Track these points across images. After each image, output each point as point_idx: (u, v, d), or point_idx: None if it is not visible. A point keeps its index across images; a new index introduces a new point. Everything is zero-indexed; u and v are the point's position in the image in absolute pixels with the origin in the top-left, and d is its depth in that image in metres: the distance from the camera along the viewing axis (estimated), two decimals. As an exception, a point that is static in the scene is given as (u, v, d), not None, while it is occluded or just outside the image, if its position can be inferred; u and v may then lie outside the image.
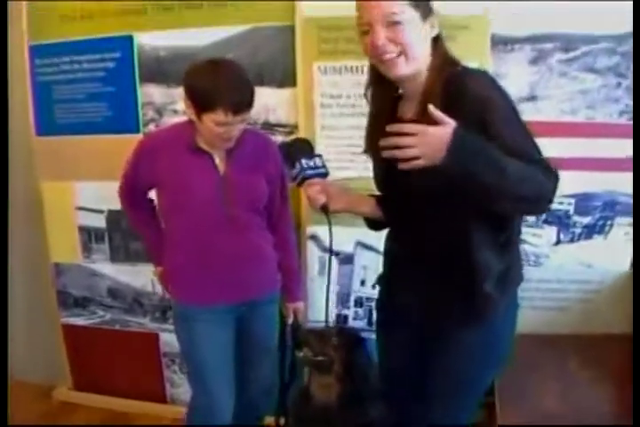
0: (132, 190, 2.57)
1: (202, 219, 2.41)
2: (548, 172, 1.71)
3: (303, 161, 1.99)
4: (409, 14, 1.74)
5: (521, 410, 2.33)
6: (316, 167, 1.99)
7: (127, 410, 3.60)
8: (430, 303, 1.96)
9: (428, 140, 1.61)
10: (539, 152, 1.76)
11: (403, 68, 1.80)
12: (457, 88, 1.72)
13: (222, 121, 2.22)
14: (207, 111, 2.21)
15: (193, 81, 2.25)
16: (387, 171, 1.93)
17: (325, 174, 2.00)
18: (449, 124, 1.61)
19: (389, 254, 2.16)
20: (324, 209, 1.97)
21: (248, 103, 2.25)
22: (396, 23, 1.74)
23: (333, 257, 3.01)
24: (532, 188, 1.68)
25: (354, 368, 2.39)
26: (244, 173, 2.42)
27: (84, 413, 3.62)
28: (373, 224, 2.19)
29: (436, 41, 1.85)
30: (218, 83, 2.19)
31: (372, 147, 1.95)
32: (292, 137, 2.84)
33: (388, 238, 2.16)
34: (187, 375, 2.77)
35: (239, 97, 2.21)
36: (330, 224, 2.00)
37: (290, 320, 2.74)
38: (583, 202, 2.82)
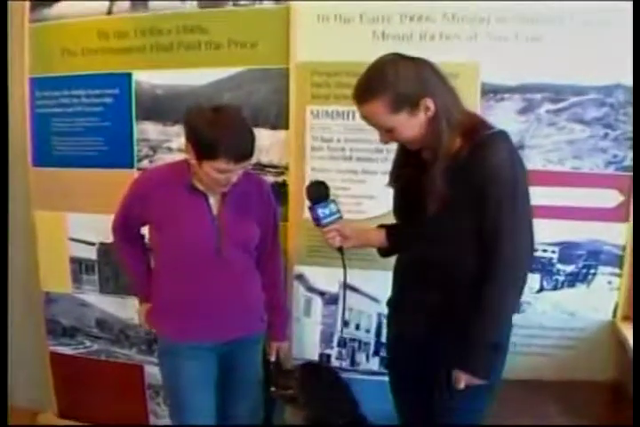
0: (125, 226, 2.60)
1: (193, 257, 2.44)
2: (509, 279, 2.01)
3: (319, 211, 2.23)
4: (394, 118, 1.99)
5: None
6: (331, 214, 2.24)
7: None
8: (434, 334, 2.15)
9: None
10: (516, 251, 1.99)
11: (411, 147, 2.12)
12: (475, 156, 1.96)
13: (223, 169, 2.25)
14: (209, 159, 2.24)
15: (195, 128, 2.26)
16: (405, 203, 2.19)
17: (340, 218, 2.26)
18: None
19: (399, 278, 2.33)
20: (340, 250, 2.26)
21: (250, 152, 2.28)
22: (388, 129, 2.03)
23: (319, 297, 3.07)
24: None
25: (313, 397, 2.51)
26: (237, 213, 2.45)
27: None
28: (384, 252, 2.38)
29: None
30: (221, 132, 2.21)
31: (395, 180, 2.24)
32: (282, 178, 2.94)
33: (399, 262, 2.33)
34: (169, 408, 2.77)
35: (242, 147, 2.25)
36: (344, 262, 2.28)
37: (272, 358, 2.75)
38: (567, 250, 2.84)
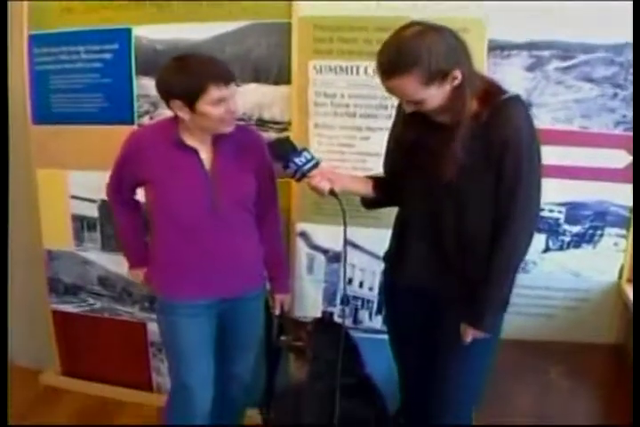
0: (118, 188, 2.59)
1: (187, 215, 2.42)
2: (521, 236, 2.08)
3: (296, 160, 2.20)
4: (426, 92, 1.96)
5: (496, 413, 2.40)
6: (308, 161, 2.21)
7: (113, 397, 3.65)
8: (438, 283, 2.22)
9: None
10: (530, 207, 2.06)
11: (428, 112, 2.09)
12: (492, 123, 1.99)
13: (218, 97, 2.22)
14: (200, 96, 2.21)
15: (169, 80, 2.24)
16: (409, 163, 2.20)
17: (318, 163, 2.23)
18: None
19: (400, 232, 2.34)
20: (333, 193, 2.21)
21: (231, 72, 2.27)
22: (417, 100, 2.00)
23: (322, 255, 3.07)
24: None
25: (323, 355, 2.55)
26: (231, 168, 2.42)
27: (71, 398, 3.66)
28: (368, 203, 2.43)
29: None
30: (197, 67, 2.20)
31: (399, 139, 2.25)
32: (283, 135, 2.87)
33: (401, 218, 2.36)
34: (167, 366, 2.80)
35: (222, 70, 2.24)
36: (342, 207, 2.22)
37: (277, 311, 2.75)
38: (574, 211, 2.83)
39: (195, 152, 2.39)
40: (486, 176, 2.04)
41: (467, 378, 2.27)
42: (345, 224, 2.25)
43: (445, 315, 2.25)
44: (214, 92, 2.20)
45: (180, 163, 2.39)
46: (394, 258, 2.39)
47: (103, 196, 2.99)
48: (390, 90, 2.02)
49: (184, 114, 2.28)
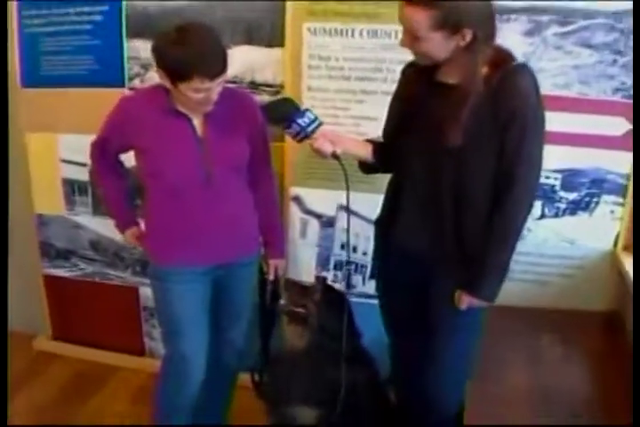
0: (104, 152, 2.55)
1: (181, 182, 2.39)
2: (523, 200, 2.09)
3: (299, 120, 2.16)
4: (430, 34, 1.93)
5: (487, 381, 2.36)
6: (311, 122, 2.17)
7: (105, 361, 3.66)
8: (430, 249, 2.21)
9: None
10: (531, 177, 2.07)
11: (421, 61, 2.09)
12: (501, 89, 1.98)
13: (199, 88, 2.18)
14: (182, 81, 2.16)
15: (162, 52, 2.16)
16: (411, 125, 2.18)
17: (321, 124, 2.20)
18: None
19: (394, 196, 2.31)
20: (335, 156, 2.18)
21: (223, 67, 2.19)
22: (417, 38, 1.96)
23: (315, 219, 3.06)
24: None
25: (328, 326, 2.48)
26: (223, 133, 2.39)
27: (63, 363, 3.67)
28: (366, 168, 2.40)
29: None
30: (189, 52, 2.11)
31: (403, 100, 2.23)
32: (278, 97, 2.83)
33: (393, 181, 2.35)
34: (161, 333, 2.79)
35: (214, 63, 2.16)
36: (344, 170, 2.18)
37: (271, 277, 2.73)
38: (570, 177, 2.81)
39: (187, 119, 2.35)
40: (489, 141, 2.03)
41: (459, 345, 2.27)
42: (348, 188, 2.21)
43: (439, 281, 2.24)
44: (196, 84, 2.16)
45: (172, 130, 2.36)
46: (387, 222, 2.36)
47: None
48: (401, 17, 1.98)
49: (165, 83, 2.23)
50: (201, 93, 2.20)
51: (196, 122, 2.37)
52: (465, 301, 2.16)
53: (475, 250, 2.12)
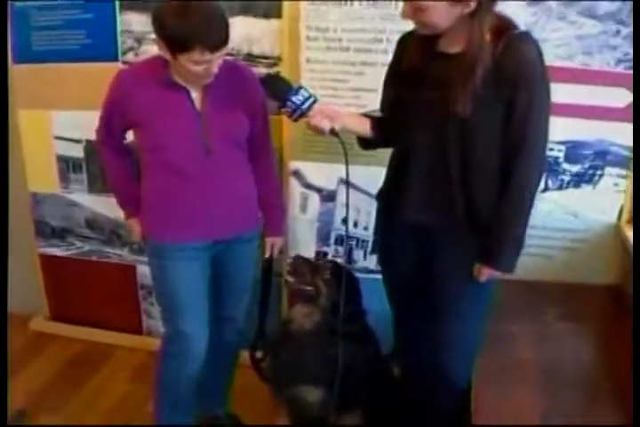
0: (110, 132, 2.49)
1: (179, 156, 2.35)
2: (534, 167, 2.08)
3: (293, 99, 2.12)
4: (434, 3, 1.90)
5: (493, 355, 2.33)
6: (306, 99, 2.12)
7: (103, 341, 3.65)
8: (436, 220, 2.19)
9: None
10: (540, 144, 2.07)
11: (423, 31, 2.05)
12: (506, 56, 1.95)
13: (200, 60, 2.12)
14: (183, 52, 2.11)
15: (163, 22, 2.10)
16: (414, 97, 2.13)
17: (317, 100, 2.15)
18: None
19: (398, 168, 2.28)
20: (334, 132, 2.15)
21: (225, 39, 2.14)
22: (420, 7, 1.93)
23: (315, 194, 3.02)
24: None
25: (338, 305, 2.40)
26: (222, 106, 2.34)
27: (61, 343, 3.65)
28: (365, 143, 2.36)
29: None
30: (191, 22, 2.05)
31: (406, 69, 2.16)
32: (275, 69, 2.82)
33: (396, 154, 2.32)
34: (160, 312, 2.76)
35: (215, 35, 2.10)
36: (344, 146, 2.16)
37: (266, 254, 2.70)
38: (574, 150, 2.77)
39: (185, 91, 2.31)
40: (495, 109, 2.01)
41: (471, 318, 2.25)
42: (347, 164, 2.18)
43: (449, 253, 2.23)
44: (197, 55, 2.11)
45: (171, 102, 2.31)
46: (391, 196, 2.33)
47: (88, 135, 2.97)
48: None
49: (165, 54, 2.18)
50: (201, 66, 2.15)
51: (195, 95, 2.32)
52: (485, 273, 2.16)
53: (487, 221, 2.11)
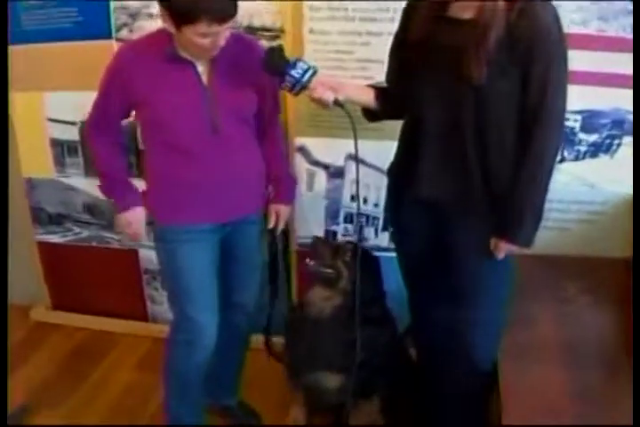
0: (105, 120, 2.36)
1: (186, 134, 2.25)
2: (552, 136, 2.00)
3: (292, 72, 2.06)
4: None
5: (516, 335, 2.29)
6: (305, 71, 2.06)
7: (107, 329, 3.59)
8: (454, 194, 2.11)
9: None
10: (558, 112, 1.99)
11: None
12: (521, 21, 1.87)
13: (206, 32, 2.02)
14: (189, 24, 2.00)
15: None
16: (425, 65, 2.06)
17: (317, 71, 2.09)
18: None
19: (409, 141, 2.21)
20: (338, 103, 2.10)
21: (233, 11, 2.04)
22: None
23: (322, 170, 2.94)
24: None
25: (359, 288, 2.33)
26: (230, 81, 2.25)
27: (63, 333, 3.58)
28: (371, 115, 2.29)
29: None
30: None
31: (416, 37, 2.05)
32: (277, 42, 2.68)
33: (407, 126, 2.24)
34: (167, 298, 2.69)
35: (223, 5, 2.00)
36: (350, 116, 2.09)
37: (270, 224, 2.57)
38: (590, 119, 2.67)
39: (191, 65, 2.20)
40: (511, 76, 1.94)
41: (493, 294, 2.19)
42: (355, 136, 2.11)
43: (465, 228, 2.15)
44: (203, 28, 2.01)
45: (176, 78, 2.21)
46: (402, 170, 2.25)
47: (83, 117, 2.83)
48: None
49: (169, 27, 2.08)
50: (207, 38, 2.05)
51: (201, 69, 2.22)
52: (502, 248, 2.09)
53: (504, 193, 2.04)
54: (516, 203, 2.03)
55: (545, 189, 2.05)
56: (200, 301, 2.43)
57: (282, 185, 2.56)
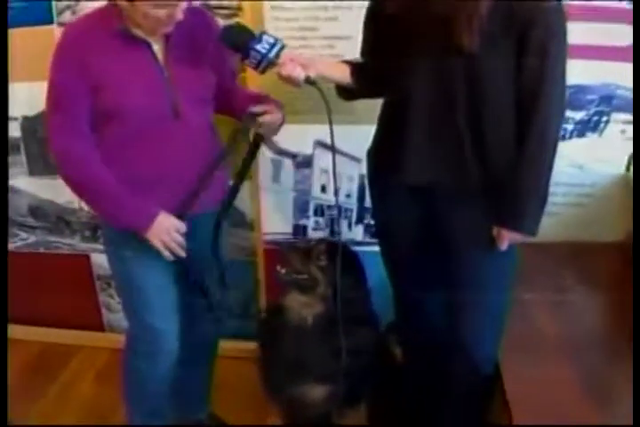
0: (75, 114, 2.01)
1: (145, 119, 2.01)
2: (555, 106, 1.86)
3: (257, 47, 1.90)
4: None
5: (516, 334, 2.16)
6: (272, 46, 1.91)
7: (61, 341, 3.40)
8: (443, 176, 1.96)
9: None
10: (559, 83, 1.86)
11: None
12: None
13: (161, 2, 1.83)
14: None
15: None
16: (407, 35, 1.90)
17: (284, 46, 1.93)
18: None
19: (391, 120, 2.06)
20: (309, 81, 1.94)
21: None
22: None
23: (289, 160, 2.75)
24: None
25: (340, 291, 2.14)
26: (187, 60, 2.05)
27: (13, 347, 3.19)
28: (346, 93, 2.15)
29: None
30: None
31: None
32: (234, 20, 2.48)
33: (388, 104, 2.09)
34: (122, 305, 2.47)
35: None
36: (326, 99, 1.91)
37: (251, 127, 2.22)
38: (576, 95, 2.54)
39: (145, 44, 1.99)
40: (506, 47, 1.81)
41: (490, 291, 2.03)
42: (330, 119, 1.92)
43: (456, 216, 2.00)
44: None
45: (130, 59, 1.98)
46: (385, 155, 2.08)
47: (25, 111, 2.64)
48: None
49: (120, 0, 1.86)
50: (163, 10, 1.85)
51: (156, 47, 2.01)
52: (506, 237, 1.94)
53: (503, 176, 1.90)
54: (518, 187, 1.90)
55: (549, 170, 1.92)
56: (158, 306, 2.23)
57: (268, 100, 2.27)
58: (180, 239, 2.06)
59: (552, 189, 2.43)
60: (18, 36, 2.76)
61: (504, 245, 1.95)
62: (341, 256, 2.10)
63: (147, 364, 2.30)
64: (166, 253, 2.05)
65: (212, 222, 2.25)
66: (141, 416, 2.42)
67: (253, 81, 2.56)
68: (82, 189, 2.07)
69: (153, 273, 2.18)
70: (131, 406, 2.43)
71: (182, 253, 2.07)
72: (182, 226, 2.07)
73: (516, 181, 1.89)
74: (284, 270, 2.27)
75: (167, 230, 2.04)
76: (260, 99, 2.22)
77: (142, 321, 2.25)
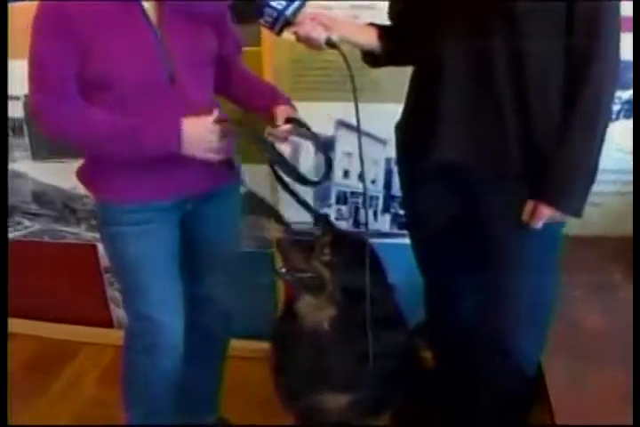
0: (63, 77, 1.87)
1: (139, 86, 1.86)
2: (610, 67, 1.70)
3: (273, 3, 1.74)
4: None
5: (561, 330, 2.03)
6: (289, 2, 1.74)
7: (65, 337, 3.31)
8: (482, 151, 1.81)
9: None
10: (614, 40, 1.70)
11: None
12: None
13: None
14: None
15: None
16: None
17: (304, 3, 1.76)
18: None
19: (424, 92, 1.91)
20: (331, 43, 1.78)
21: None
22: None
23: (309, 142, 2.48)
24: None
25: (351, 289, 1.96)
26: (184, 19, 1.90)
27: (15, 342, 3.18)
28: (373, 59, 1.99)
29: None
30: None
31: None
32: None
33: (419, 73, 1.95)
34: (121, 296, 2.42)
35: None
36: (348, 64, 1.74)
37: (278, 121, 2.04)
38: (624, 72, 2.30)
39: (135, 2, 1.84)
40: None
41: (538, 277, 1.87)
42: (354, 91, 1.75)
43: (496, 198, 1.84)
44: None
45: (119, 18, 1.83)
46: (416, 126, 1.93)
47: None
48: None
49: None
50: None
51: (148, 6, 1.86)
52: (543, 214, 1.74)
53: (547, 151, 1.74)
54: (567, 162, 1.72)
55: (601, 145, 1.74)
56: (158, 295, 2.10)
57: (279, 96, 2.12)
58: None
59: (598, 176, 2.29)
60: (19, 11, 2.60)
61: (539, 223, 1.76)
62: (351, 250, 1.98)
63: (147, 361, 2.18)
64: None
65: (226, 204, 2.16)
66: (142, 419, 2.28)
67: (270, 53, 2.38)
68: (94, 135, 1.90)
69: (153, 257, 2.06)
70: (130, 408, 2.30)
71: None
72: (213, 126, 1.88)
73: (565, 156, 1.72)
74: (284, 270, 2.08)
75: (202, 136, 1.87)
76: (268, 92, 2.11)
77: (141, 313, 2.13)
